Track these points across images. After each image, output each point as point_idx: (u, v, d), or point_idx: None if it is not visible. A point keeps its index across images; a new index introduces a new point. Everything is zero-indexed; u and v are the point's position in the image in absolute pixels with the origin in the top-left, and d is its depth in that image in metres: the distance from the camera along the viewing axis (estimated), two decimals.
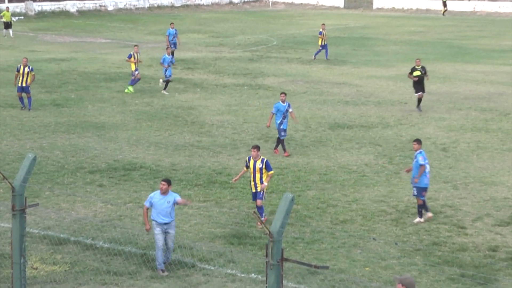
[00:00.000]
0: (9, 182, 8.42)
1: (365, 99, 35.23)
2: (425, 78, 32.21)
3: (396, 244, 16.95)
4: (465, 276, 15.28)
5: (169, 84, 35.88)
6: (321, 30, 47.22)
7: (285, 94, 25.48)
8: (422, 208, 18.74)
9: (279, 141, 25.22)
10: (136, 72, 35.45)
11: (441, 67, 45.48)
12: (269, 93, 36.39)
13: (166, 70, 35.00)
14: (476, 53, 52.06)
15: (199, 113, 31.33)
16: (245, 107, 32.82)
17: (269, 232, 8.37)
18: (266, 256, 8.20)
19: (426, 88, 33.17)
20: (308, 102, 34.41)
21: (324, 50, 47.46)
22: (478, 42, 58.15)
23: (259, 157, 18.54)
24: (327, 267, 10.08)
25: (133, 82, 35.68)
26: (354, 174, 22.86)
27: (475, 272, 15.49)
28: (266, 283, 7.60)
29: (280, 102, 25.14)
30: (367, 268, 15.75)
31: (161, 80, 36.41)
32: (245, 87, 37.83)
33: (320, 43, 47.38)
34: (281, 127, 24.96)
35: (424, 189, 18.79)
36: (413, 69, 32.21)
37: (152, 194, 15.73)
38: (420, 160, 18.73)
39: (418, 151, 19.02)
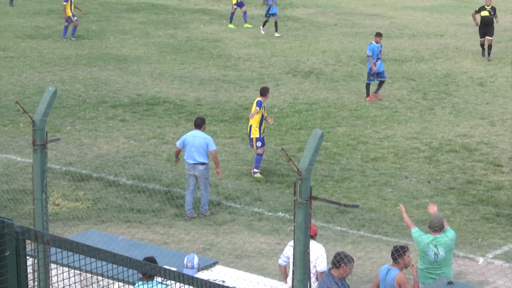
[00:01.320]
0: (29, 116, 8.48)
1: (399, 31, 34.85)
2: (495, 21, 28.55)
3: (429, 182, 16.96)
4: (500, 215, 15.29)
5: (198, 15, 35.62)
6: None
7: (381, 35, 24.28)
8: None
9: (368, 86, 23.90)
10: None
11: None
12: (298, 25, 36.08)
13: (269, 8, 32.89)
14: None
15: (225, 46, 31.21)
16: (272, 40, 32.61)
17: (297, 169, 8.39)
18: (294, 194, 8.24)
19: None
20: (339, 34, 34.11)
21: None
22: None
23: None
24: (357, 206, 10.12)
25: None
26: (386, 110, 22.77)
27: (510, 211, 15.48)
28: (294, 222, 7.65)
29: (374, 43, 23.89)
30: (398, 208, 15.81)
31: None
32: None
33: None
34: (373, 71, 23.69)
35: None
36: (481, 9, 28.62)
37: (184, 136, 15.66)
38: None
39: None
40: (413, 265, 10.48)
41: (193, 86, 25.15)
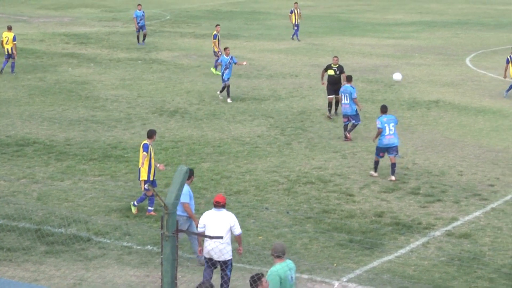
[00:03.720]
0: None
1: (258, 72, 35.43)
2: (342, 79, 26.33)
3: (287, 212, 17.21)
4: (353, 241, 15.68)
5: (67, 60, 34.99)
6: (292, 8, 46.19)
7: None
8: (376, 165, 20.58)
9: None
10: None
11: (330, 40, 46.13)
12: (163, 67, 36.10)
13: (223, 73, 29.20)
14: (363, 26, 53.05)
15: (93, 88, 30.81)
16: (139, 81, 32.47)
17: (164, 204, 8.35)
18: (162, 228, 8.19)
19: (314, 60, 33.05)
20: (202, 76, 34.33)
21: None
22: (365, 16, 59.26)
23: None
24: (221, 237, 10.18)
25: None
26: (247, 146, 23.03)
27: (362, 237, 15.91)
28: (162, 254, 7.60)
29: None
30: (260, 237, 15.94)
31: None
32: (139, 62, 37.39)
33: (293, 21, 45.36)
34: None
35: (379, 149, 20.44)
36: (328, 67, 26.93)
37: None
38: (377, 124, 20.61)
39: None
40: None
41: (62, 126, 24.65)
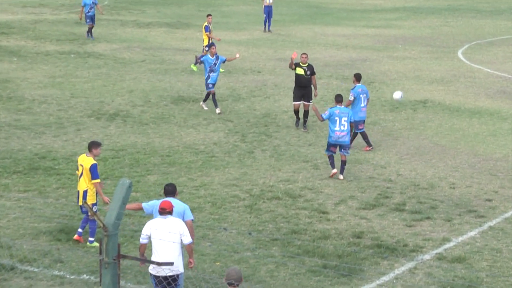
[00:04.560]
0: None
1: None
2: (312, 83, 25.91)
3: (250, 234, 17.25)
4: (327, 267, 15.76)
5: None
6: None
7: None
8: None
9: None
10: None
11: (298, 30, 46.38)
12: (100, 62, 35.97)
13: (207, 78, 27.93)
14: (336, 13, 53.45)
15: (16, 87, 30.59)
16: (72, 79, 32.32)
17: (103, 225, 8.35)
18: (100, 253, 8.18)
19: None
20: (147, 72, 34.28)
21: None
22: (338, 1, 59.69)
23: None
24: (171, 264, 10.19)
25: None
26: (201, 155, 23.04)
27: (338, 262, 15.99)
28: (101, 285, 7.59)
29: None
30: (217, 263, 15.96)
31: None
32: (72, 55, 37.23)
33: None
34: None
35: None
36: (297, 65, 25.94)
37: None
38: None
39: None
40: None
41: None
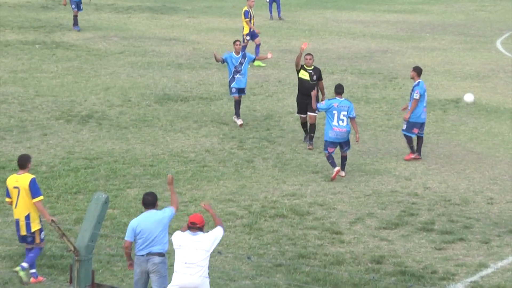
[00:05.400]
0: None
1: (205, 60, 35.46)
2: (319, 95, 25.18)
3: (249, 258, 17.19)
4: None
5: None
6: None
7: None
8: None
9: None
10: None
11: (306, 16, 46.38)
12: (71, 54, 35.96)
13: (231, 80, 26.91)
14: None
15: None
16: (37, 74, 32.29)
17: (74, 248, 8.35)
18: (71, 281, 8.18)
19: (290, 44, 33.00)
20: (127, 65, 34.26)
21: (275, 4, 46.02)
22: None
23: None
24: None
25: None
26: (191, 165, 23.02)
27: None
28: None
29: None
30: None
31: None
32: (37, 46, 37.22)
33: None
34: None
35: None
36: (302, 68, 25.34)
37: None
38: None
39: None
40: None
41: None
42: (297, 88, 25.65)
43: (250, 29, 35.57)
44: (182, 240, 13.93)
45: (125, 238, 14.60)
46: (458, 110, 28.96)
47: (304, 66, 25.23)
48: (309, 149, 24.66)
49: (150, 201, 14.84)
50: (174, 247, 13.88)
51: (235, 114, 26.80)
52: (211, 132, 25.97)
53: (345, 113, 21.93)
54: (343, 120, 21.94)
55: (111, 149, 24.11)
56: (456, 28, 44.45)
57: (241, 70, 26.62)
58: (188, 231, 14.09)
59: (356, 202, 20.74)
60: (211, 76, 32.95)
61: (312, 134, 25.05)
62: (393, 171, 22.97)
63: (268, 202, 20.54)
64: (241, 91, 26.75)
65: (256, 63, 32.81)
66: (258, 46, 35.72)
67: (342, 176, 22.13)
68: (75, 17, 40.95)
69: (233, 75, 26.68)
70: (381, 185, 21.90)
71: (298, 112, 25.53)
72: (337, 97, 22.36)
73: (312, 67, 25.22)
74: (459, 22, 46.21)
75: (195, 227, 14.02)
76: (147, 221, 14.62)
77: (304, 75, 25.19)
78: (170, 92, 30.19)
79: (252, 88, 31.08)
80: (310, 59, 25.19)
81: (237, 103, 26.76)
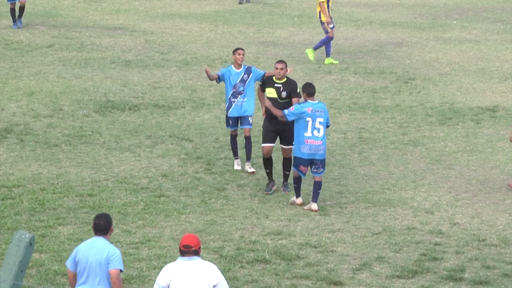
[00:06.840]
0: None
1: (162, 56, 35.50)
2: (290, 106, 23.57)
3: None
4: None
5: None
6: None
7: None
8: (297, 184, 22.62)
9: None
10: None
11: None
12: None
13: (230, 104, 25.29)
14: None
15: None
16: None
17: None
18: None
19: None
20: (57, 63, 34.29)
21: None
22: None
23: None
24: None
25: None
26: (143, 194, 23.04)
27: None
28: None
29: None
30: None
31: None
32: None
33: None
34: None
35: (298, 159, 22.32)
36: (268, 81, 24.26)
37: None
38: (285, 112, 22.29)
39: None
40: None
41: None
42: None
43: (328, 12, 34.44)
44: (173, 272, 13.77)
45: (67, 266, 14.80)
46: (494, 121, 29.07)
47: (273, 79, 23.97)
48: (285, 192, 23.69)
49: (101, 227, 14.91)
50: (168, 279, 13.81)
51: (234, 156, 25.36)
52: (169, 151, 25.99)
53: (321, 119, 21.79)
54: (318, 130, 21.77)
55: (37, 174, 24.10)
56: (492, 13, 44.73)
57: (243, 91, 24.91)
58: (180, 257, 13.89)
59: (362, 243, 20.80)
60: (169, 76, 32.99)
61: (287, 172, 23.87)
62: (410, 202, 23.03)
63: (246, 243, 20.58)
64: (243, 121, 25.03)
65: (327, 61, 34.01)
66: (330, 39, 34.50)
67: (314, 211, 22.05)
68: (21, 9, 39.23)
69: (229, 98, 25.05)
70: (394, 220, 21.97)
71: (263, 142, 23.96)
72: (309, 100, 22.09)
73: (285, 79, 23.81)
74: (495, 5, 46.50)
75: (189, 251, 13.80)
76: (89, 249, 14.74)
77: (270, 92, 23.86)
78: (115, 98, 30.22)
79: (223, 93, 31.10)
80: (281, 68, 23.73)
81: (234, 138, 25.15)
